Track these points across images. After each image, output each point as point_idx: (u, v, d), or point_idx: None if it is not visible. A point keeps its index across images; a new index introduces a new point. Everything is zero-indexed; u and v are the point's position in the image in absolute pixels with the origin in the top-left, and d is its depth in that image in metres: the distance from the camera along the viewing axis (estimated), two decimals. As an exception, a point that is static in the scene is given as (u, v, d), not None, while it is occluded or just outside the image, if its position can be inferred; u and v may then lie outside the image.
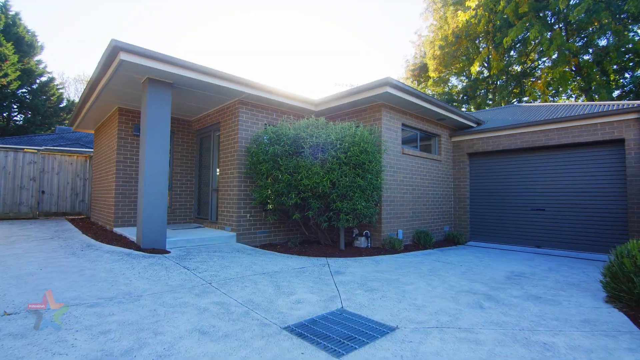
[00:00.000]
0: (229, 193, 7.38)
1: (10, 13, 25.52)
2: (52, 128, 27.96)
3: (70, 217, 11.28)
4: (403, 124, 8.15)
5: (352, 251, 6.73)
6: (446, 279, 4.88)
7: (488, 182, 9.41)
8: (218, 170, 8.17)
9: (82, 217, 11.37)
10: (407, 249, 7.45)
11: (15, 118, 28.83)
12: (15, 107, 28.36)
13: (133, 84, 6.39)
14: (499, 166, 9.23)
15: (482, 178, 9.55)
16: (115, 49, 5.25)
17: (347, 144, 6.13)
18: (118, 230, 7.46)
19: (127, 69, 5.69)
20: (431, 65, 22.46)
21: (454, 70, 23.20)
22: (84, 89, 7.21)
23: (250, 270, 4.75)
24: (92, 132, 11.03)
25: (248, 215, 7.29)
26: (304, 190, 6.15)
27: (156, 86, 6.14)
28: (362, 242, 7.29)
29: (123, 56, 5.29)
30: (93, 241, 6.40)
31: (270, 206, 6.80)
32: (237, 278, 4.34)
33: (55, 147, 13.81)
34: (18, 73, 24.91)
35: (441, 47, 21.37)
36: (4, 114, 27.88)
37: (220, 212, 7.68)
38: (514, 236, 8.77)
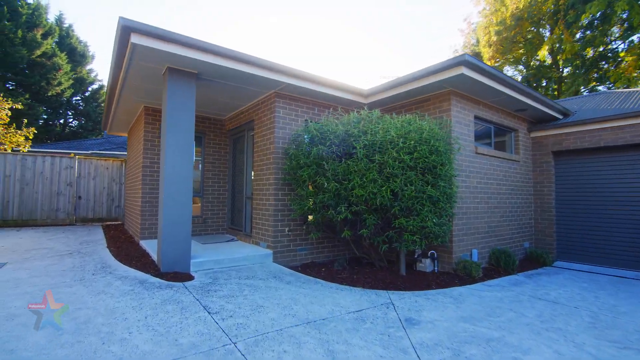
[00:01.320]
0: (264, 203, 6.23)
1: (65, 25, 26.79)
2: (102, 133, 29.09)
3: (106, 223, 10.87)
4: (475, 117, 6.51)
5: (416, 278, 5.26)
6: (574, 337, 3.29)
7: (581, 188, 7.43)
8: (253, 174, 7.08)
9: (118, 223, 10.91)
10: (486, 274, 5.82)
11: (70, 124, 30.48)
12: (70, 113, 29.96)
13: (153, 76, 5.43)
14: (598, 167, 7.23)
15: (572, 182, 7.58)
16: (125, 31, 4.26)
17: (412, 142, 4.69)
18: (143, 243, 6.61)
19: (143, 56, 4.70)
20: (486, 53, 20.04)
21: (512, 59, 20.57)
22: (106, 88, 6.44)
23: (290, 316, 3.48)
24: (127, 135, 10.52)
25: (286, 229, 6.09)
26: (356, 203, 4.80)
27: (178, 77, 5.11)
28: (426, 265, 5.79)
29: (135, 39, 4.28)
30: (112, 259, 5.53)
31: (312, 220, 5.51)
32: (273, 333, 3.08)
33: (100, 152, 13.66)
34: (71, 82, 26.06)
35: (498, 33, 18.92)
36: (61, 121, 29.54)
37: (255, 224, 6.56)
38: (619, 257, 6.77)
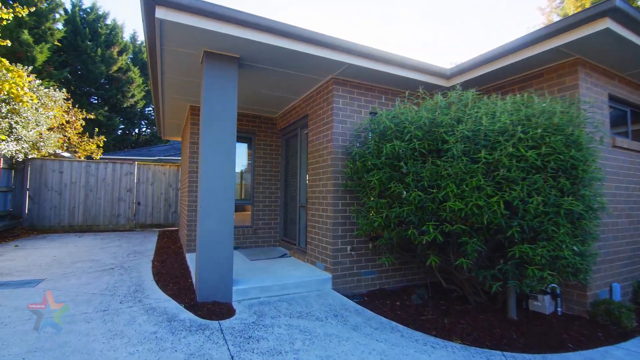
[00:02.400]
0: (321, 214, 5.05)
1: (137, 42, 28.85)
2: (169, 140, 30.75)
3: (162, 228, 10.67)
4: (610, 96, 4.63)
5: (535, 327, 3.62)
6: None
7: None
8: (307, 179, 5.97)
9: (174, 229, 10.64)
10: (642, 323, 3.94)
11: (143, 133, 32.87)
12: (143, 123, 32.32)
13: (191, 67, 4.57)
14: None
15: None
16: (149, 6, 3.37)
17: (538, 131, 3.12)
18: (189, 258, 5.85)
19: (175, 38, 3.82)
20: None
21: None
22: (150, 88, 5.82)
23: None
24: (181, 139, 10.19)
25: (349, 247, 4.83)
26: (450, 220, 3.37)
27: (216, 63, 4.16)
28: (545, 303, 4.10)
29: (161, 14, 3.38)
30: (149, 279, 4.78)
31: (383, 240, 4.15)
32: None
33: (165, 157, 13.81)
34: (143, 94, 27.90)
35: None
36: (135, 130, 31.99)
37: (310, 239, 5.41)
38: None
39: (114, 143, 26.83)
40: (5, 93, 6.19)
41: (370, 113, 5.17)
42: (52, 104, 9.55)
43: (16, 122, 7.84)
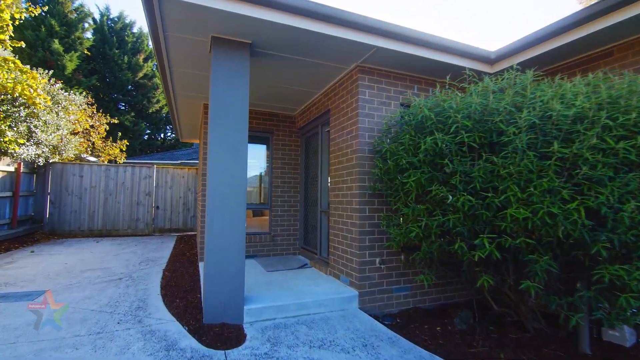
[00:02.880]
0: (346, 222, 4.43)
1: (163, 49, 29.40)
2: (192, 144, 31.11)
3: (181, 233, 10.38)
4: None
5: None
6: None
7: None
8: (329, 181, 5.38)
9: (193, 233, 10.33)
10: None
11: (169, 137, 33.47)
12: (169, 128, 32.91)
13: (199, 57, 4.10)
14: None
15: None
16: (146, -20, 2.90)
17: (632, 116, 2.37)
18: (201, 267, 5.39)
19: (177, 21, 3.34)
20: None
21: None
22: (162, 86, 5.43)
23: None
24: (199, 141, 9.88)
25: (377, 259, 4.18)
26: (511, 231, 2.65)
27: (225, 50, 3.65)
28: (625, 333, 3.27)
29: (159, -10, 2.91)
30: (155, 293, 4.32)
31: (421, 254, 3.45)
32: None
33: (187, 161, 13.66)
34: (168, 99, 28.40)
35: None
36: (161, 135, 32.62)
37: (333, 249, 4.79)
38: None
39: (141, 148, 27.34)
40: (17, 95, 6.02)
41: (401, 105, 4.51)
42: (74, 107, 9.49)
43: (35, 126, 7.74)
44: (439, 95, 3.41)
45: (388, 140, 3.91)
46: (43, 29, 18.69)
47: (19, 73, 6.18)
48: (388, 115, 4.33)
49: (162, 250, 7.49)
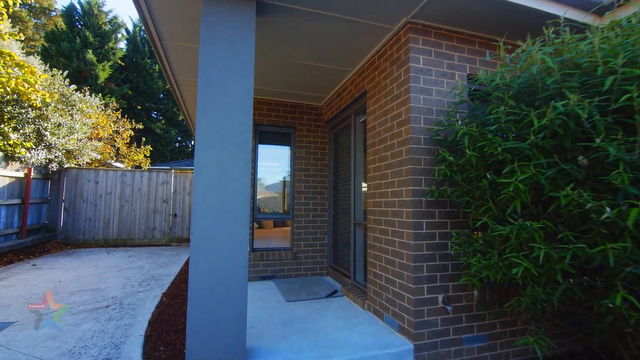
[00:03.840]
0: (391, 240, 3.14)
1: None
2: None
3: (201, 243, 9.49)
4: None
5: None
6: None
7: None
8: (364, 187, 4.14)
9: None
10: None
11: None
12: (198, 136, 33.09)
13: (192, 24, 3.03)
14: None
15: None
16: None
17: None
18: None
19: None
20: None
21: None
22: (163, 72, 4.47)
23: None
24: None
25: (440, 296, 2.85)
26: None
27: (218, 7, 2.54)
28: None
29: None
30: (136, 335, 3.23)
31: (527, 299, 2.09)
32: None
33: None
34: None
35: None
36: (191, 142, 32.84)
37: (373, 277, 3.51)
38: None
39: (172, 155, 27.47)
40: (10, 90, 5.34)
41: (468, 78, 3.19)
42: (92, 110, 8.93)
43: (45, 128, 7.13)
44: (567, 37, 2.06)
45: (459, 122, 2.60)
46: (78, 40, 19.02)
47: (17, 68, 5.51)
48: (449, 92, 3.04)
49: (172, 265, 6.54)
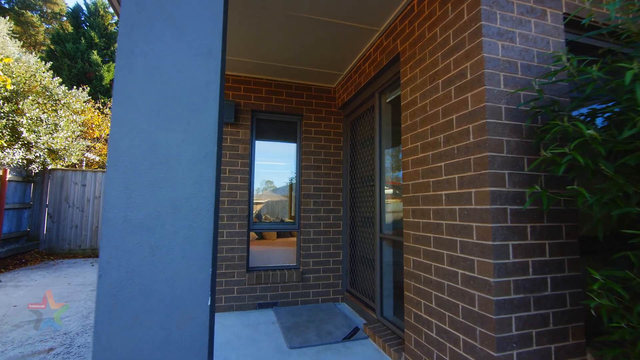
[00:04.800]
0: (451, 271, 1.98)
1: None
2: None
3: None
4: None
5: None
6: None
7: None
8: (391, 187, 3.02)
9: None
10: None
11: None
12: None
13: None
14: None
15: None
16: None
17: None
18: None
19: None
20: None
21: None
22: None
23: None
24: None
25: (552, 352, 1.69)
26: None
27: None
28: None
29: None
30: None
31: None
32: None
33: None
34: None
35: None
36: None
37: (415, 319, 2.36)
38: None
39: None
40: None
41: (564, 19, 2.03)
42: (78, 105, 8.03)
43: (20, 124, 6.21)
44: None
45: (595, 69, 1.44)
46: (83, 41, 18.48)
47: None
48: (540, 40, 1.89)
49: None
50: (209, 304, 1.25)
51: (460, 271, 1.90)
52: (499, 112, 1.78)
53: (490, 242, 1.70)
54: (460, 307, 1.89)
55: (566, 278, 1.83)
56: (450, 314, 1.97)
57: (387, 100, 3.25)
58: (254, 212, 4.06)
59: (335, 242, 4.09)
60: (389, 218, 3.14)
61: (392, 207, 3.11)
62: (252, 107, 3.92)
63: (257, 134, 4.04)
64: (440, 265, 2.07)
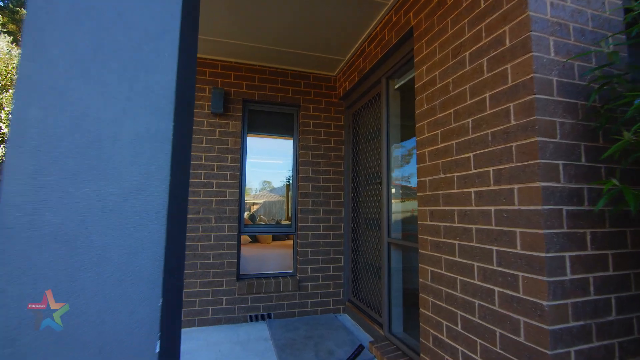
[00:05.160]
0: (485, 288, 1.54)
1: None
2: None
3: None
4: None
5: None
6: None
7: None
8: (407, 186, 2.62)
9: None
10: None
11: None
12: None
13: None
14: None
15: None
16: None
17: None
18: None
19: None
20: None
21: None
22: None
23: None
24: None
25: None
26: None
27: None
28: None
29: None
30: None
31: None
32: None
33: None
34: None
35: None
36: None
37: (434, 343, 1.95)
38: None
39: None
40: None
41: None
42: None
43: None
44: None
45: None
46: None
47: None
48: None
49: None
50: (157, 350, 0.81)
51: (497, 289, 1.49)
52: (549, 87, 1.38)
53: (543, 254, 1.29)
54: (497, 334, 1.49)
55: (633, 297, 1.43)
56: (483, 342, 1.57)
57: (396, 87, 2.85)
58: (247, 213, 3.65)
59: (335, 246, 3.68)
60: (398, 220, 2.73)
61: (401, 207, 2.71)
62: (244, 97, 3.51)
63: (249, 126, 3.63)
64: (469, 280, 1.66)
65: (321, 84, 3.78)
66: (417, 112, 2.19)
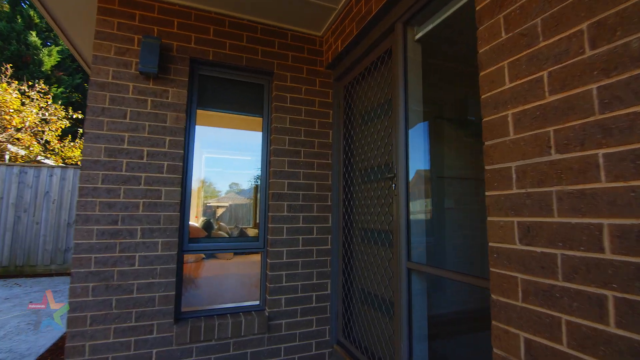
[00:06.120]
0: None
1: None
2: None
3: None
4: None
5: None
6: None
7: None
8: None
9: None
10: None
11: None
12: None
13: None
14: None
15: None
16: None
17: None
18: None
19: None
20: None
21: None
22: None
23: None
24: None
25: None
26: None
27: None
28: None
29: None
30: None
31: None
32: None
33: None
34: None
35: None
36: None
37: None
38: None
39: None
40: None
41: None
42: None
43: None
44: None
45: None
46: (20, 20, 15.68)
47: None
48: None
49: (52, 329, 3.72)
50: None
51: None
52: None
53: None
54: None
55: None
56: None
57: (417, 37, 1.90)
58: (202, 220, 2.53)
59: (320, 267, 2.64)
60: (420, 230, 1.76)
61: (430, 212, 1.75)
62: (192, 55, 2.40)
63: (200, 97, 2.52)
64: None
65: (302, 45, 2.74)
66: (482, 51, 1.23)
